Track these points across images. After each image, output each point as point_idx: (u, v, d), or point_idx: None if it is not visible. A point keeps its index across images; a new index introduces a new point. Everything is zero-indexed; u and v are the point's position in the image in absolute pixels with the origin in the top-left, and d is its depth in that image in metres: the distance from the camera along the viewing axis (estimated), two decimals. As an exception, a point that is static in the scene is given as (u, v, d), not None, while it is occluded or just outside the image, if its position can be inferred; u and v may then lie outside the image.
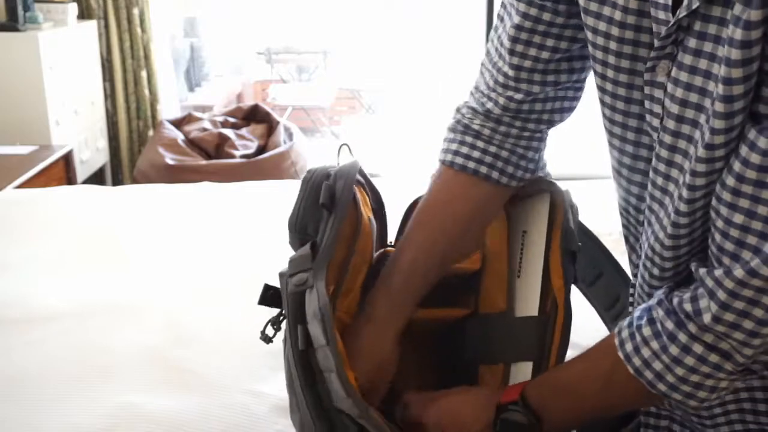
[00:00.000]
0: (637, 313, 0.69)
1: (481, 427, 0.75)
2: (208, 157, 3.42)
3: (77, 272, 1.57)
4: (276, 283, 0.86)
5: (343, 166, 0.88)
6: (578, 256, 0.89)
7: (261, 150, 3.51)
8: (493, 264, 0.94)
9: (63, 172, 3.04)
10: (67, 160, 3.07)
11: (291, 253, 0.86)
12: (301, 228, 0.86)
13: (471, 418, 0.77)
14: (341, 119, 5.98)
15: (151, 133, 3.81)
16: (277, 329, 0.86)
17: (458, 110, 0.94)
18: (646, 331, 0.66)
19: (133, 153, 3.87)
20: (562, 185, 0.92)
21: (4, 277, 1.54)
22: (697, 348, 0.63)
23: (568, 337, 0.85)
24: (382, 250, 0.94)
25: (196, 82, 5.16)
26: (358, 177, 0.91)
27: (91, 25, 3.59)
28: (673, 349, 0.64)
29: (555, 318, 0.85)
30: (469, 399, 0.79)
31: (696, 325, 0.63)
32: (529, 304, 0.88)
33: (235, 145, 3.44)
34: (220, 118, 3.75)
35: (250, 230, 1.81)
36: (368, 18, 5.95)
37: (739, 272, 0.59)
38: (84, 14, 3.62)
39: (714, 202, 0.62)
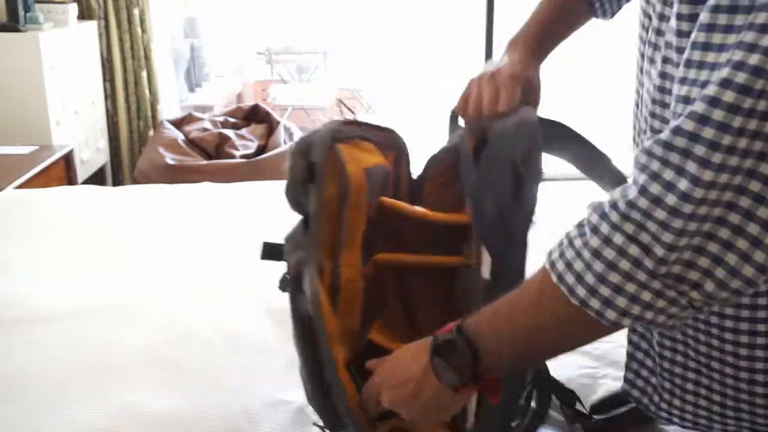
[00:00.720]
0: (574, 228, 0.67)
1: (421, 364, 0.74)
2: (208, 157, 3.42)
3: (77, 272, 1.57)
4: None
5: (318, 133, 0.93)
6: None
7: (261, 150, 3.51)
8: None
9: (63, 172, 3.04)
10: (67, 160, 3.07)
11: None
12: (295, 202, 0.93)
13: (410, 358, 0.76)
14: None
15: (151, 133, 3.80)
16: (284, 290, 0.96)
17: None
18: (573, 232, 0.64)
19: (133, 153, 3.87)
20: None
21: (4, 277, 1.54)
22: (618, 239, 0.60)
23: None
24: (377, 201, 0.94)
25: (197, 82, 5.16)
26: (354, 132, 0.97)
27: (92, 26, 3.59)
28: (594, 241, 0.61)
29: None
30: (410, 346, 0.78)
31: (618, 213, 0.60)
32: (485, 267, 0.85)
33: (235, 145, 3.44)
34: (221, 118, 3.75)
35: (250, 230, 1.81)
36: (368, 18, 5.95)
37: (665, 134, 0.59)
38: (84, 14, 3.62)
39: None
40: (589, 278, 0.61)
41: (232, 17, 5.71)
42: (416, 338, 0.83)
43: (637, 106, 0.86)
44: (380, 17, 5.96)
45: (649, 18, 0.78)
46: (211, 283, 1.52)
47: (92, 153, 3.56)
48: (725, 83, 0.56)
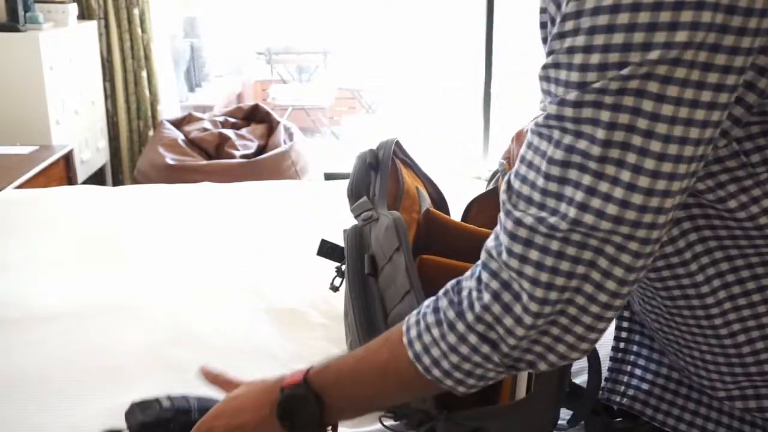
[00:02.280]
0: (426, 302, 0.71)
1: (265, 412, 0.75)
2: (208, 157, 3.42)
3: (77, 272, 1.57)
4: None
5: (384, 140, 1.04)
6: None
7: (261, 150, 3.51)
8: None
9: (63, 172, 3.04)
10: (67, 160, 3.07)
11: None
12: (357, 192, 0.99)
13: (253, 405, 0.77)
14: (341, 119, 5.99)
15: (151, 133, 3.81)
16: (343, 277, 1.01)
17: None
18: (430, 318, 0.69)
19: (133, 153, 3.87)
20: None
21: (4, 277, 1.54)
22: (472, 338, 0.66)
23: None
24: (426, 210, 1.00)
25: (197, 82, 5.17)
26: (406, 159, 1.06)
27: (92, 26, 3.59)
28: (451, 338, 0.67)
29: None
30: (252, 388, 0.80)
31: (473, 315, 0.65)
32: None
33: (235, 145, 3.44)
34: (221, 118, 3.74)
35: (250, 230, 1.81)
36: (368, 18, 5.95)
37: (504, 237, 0.64)
38: (84, 14, 3.62)
39: None
40: (445, 364, 0.68)
41: (232, 17, 5.71)
42: None
43: None
44: (380, 17, 5.97)
45: None
46: (211, 283, 1.52)
47: (92, 153, 3.56)
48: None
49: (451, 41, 5.56)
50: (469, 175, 3.23)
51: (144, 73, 3.76)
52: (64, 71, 3.24)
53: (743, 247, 0.71)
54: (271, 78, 5.88)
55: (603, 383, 0.95)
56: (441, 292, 0.70)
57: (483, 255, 0.67)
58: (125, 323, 1.34)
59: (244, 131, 3.63)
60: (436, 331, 0.68)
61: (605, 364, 0.94)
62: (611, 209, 0.59)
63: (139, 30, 3.70)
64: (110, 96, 3.78)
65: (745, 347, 0.75)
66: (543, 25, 0.65)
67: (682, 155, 0.58)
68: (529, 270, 0.62)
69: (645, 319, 0.86)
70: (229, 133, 3.53)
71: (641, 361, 0.92)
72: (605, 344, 1.20)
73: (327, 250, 1.06)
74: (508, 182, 0.65)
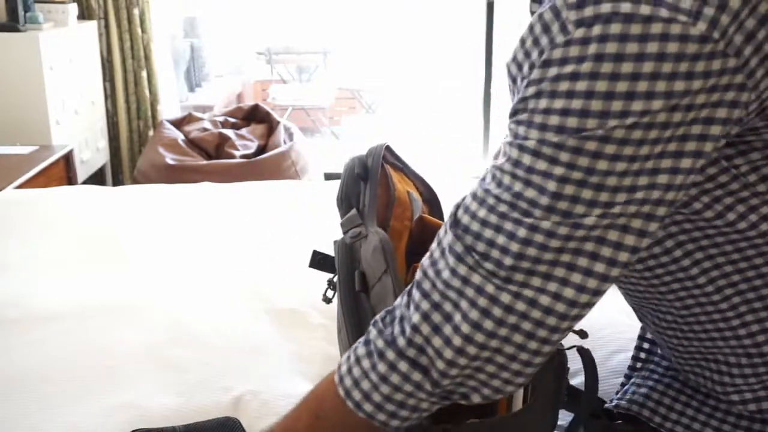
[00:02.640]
0: (363, 338, 0.71)
1: None
2: (208, 157, 3.42)
3: (77, 272, 1.57)
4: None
5: (373, 146, 1.00)
6: None
7: (261, 150, 3.51)
8: None
9: (63, 172, 3.04)
10: (67, 160, 3.07)
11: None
12: (346, 201, 0.97)
13: None
14: (341, 119, 5.99)
15: (151, 133, 3.81)
16: (334, 290, 0.99)
17: None
18: (361, 350, 0.69)
19: (133, 153, 3.87)
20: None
21: (4, 277, 1.54)
22: (402, 366, 0.65)
23: None
24: (419, 216, 0.98)
25: (197, 82, 5.17)
26: (397, 162, 1.04)
27: (92, 26, 3.59)
28: (381, 367, 0.66)
29: None
30: None
31: (404, 338, 0.65)
32: None
33: (235, 145, 3.44)
34: (221, 118, 3.75)
35: (250, 230, 1.81)
36: (368, 18, 5.96)
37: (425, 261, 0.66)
38: (84, 14, 3.62)
39: None
40: (376, 397, 0.67)
41: (232, 17, 5.71)
42: None
43: None
44: (380, 17, 5.97)
45: None
46: (211, 283, 1.52)
47: (92, 153, 3.56)
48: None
49: (451, 41, 5.57)
50: (469, 175, 3.23)
51: (144, 73, 3.76)
52: (64, 71, 3.24)
53: (750, 256, 0.71)
54: (271, 78, 5.88)
55: (619, 388, 0.95)
56: (371, 324, 0.70)
57: (418, 274, 0.67)
58: (125, 323, 1.34)
59: (244, 131, 3.63)
60: (366, 363, 0.68)
61: (601, 367, 0.94)
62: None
63: (139, 30, 3.70)
64: (110, 96, 3.78)
65: (765, 346, 0.76)
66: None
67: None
68: (469, 291, 0.62)
69: (661, 339, 0.86)
70: (229, 133, 3.53)
71: (660, 370, 0.93)
72: (597, 347, 1.20)
73: (319, 261, 1.04)
74: (456, 210, 0.66)
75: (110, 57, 3.72)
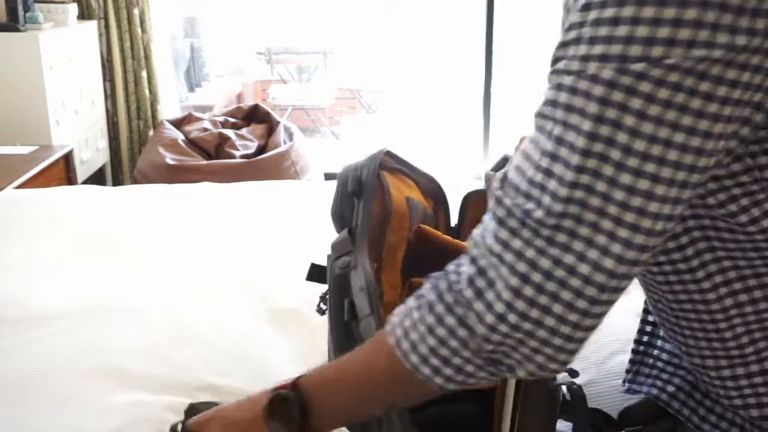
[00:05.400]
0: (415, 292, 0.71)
1: (256, 411, 0.76)
2: (208, 157, 3.42)
3: (77, 272, 1.57)
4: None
5: (368, 157, 0.98)
6: None
7: (261, 150, 3.51)
8: None
9: (63, 172, 3.04)
10: (67, 160, 3.07)
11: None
12: (340, 216, 0.96)
13: (249, 404, 0.78)
14: (341, 119, 5.99)
15: (151, 133, 3.81)
16: (327, 304, 0.97)
17: None
18: (412, 303, 0.69)
19: (133, 153, 3.87)
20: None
21: (3, 276, 1.54)
22: (449, 320, 0.65)
23: None
24: (416, 227, 0.97)
25: (197, 82, 5.17)
26: (397, 165, 1.02)
27: (92, 25, 3.59)
28: (430, 319, 0.66)
29: None
30: (243, 401, 0.81)
31: (452, 296, 0.65)
32: None
33: (235, 145, 3.44)
34: (221, 118, 3.75)
35: (250, 230, 1.81)
36: (368, 18, 5.96)
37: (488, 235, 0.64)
38: (84, 14, 3.62)
39: None
40: (423, 348, 0.66)
41: (232, 17, 5.71)
42: None
43: None
44: (380, 17, 5.97)
45: None
46: (211, 282, 1.52)
47: (92, 153, 3.56)
48: None
49: (451, 41, 5.57)
50: (469, 175, 3.23)
51: (144, 73, 3.76)
52: (64, 71, 3.24)
53: (752, 258, 0.71)
54: (271, 78, 5.88)
55: (625, 374, 0.95)
56: (425, 279, 0.70)
57: (468, 242, 0.66)
58: (125, 323, 1.34)
59: (244, 131, 3.63)
60: (416, 314, 0.67)
61: (600, 369, 0.94)
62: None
63: (139, 30, 3.70)
64: (110, 96, 3.79)
65: (748, 348, 0.75)
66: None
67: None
68: (508, 257, 0.61)
69: (659, 322, 0.86)
70: (229, 133, 3.53)
71: (664, 356, 0.93)
72: (596, 349, 1.20)
73: (316, 274, 1.03)
74: (505, 173, 0.65)
75: (110, 57, 3.72)
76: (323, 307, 1.03)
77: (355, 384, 0.73)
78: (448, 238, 0.97)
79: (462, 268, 0.66)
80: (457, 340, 0.65)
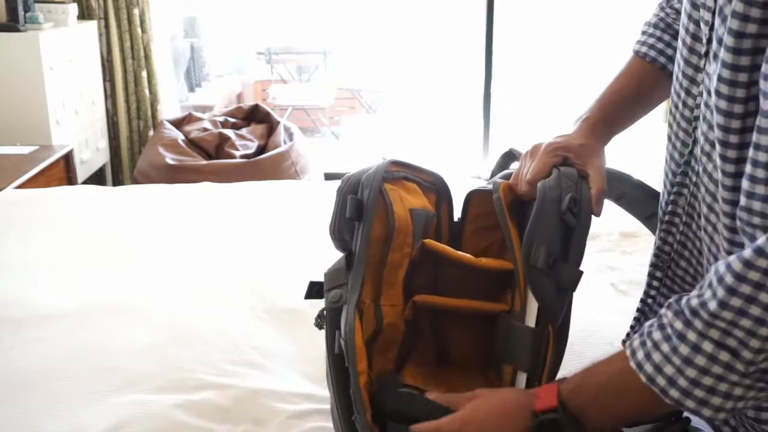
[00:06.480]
0: (647, 323, 0.69)
1: (518, 430, 0.74)
2: (208, 157, 3.42)
3: (77, 272, 1.57)
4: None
5: (370, 173, 0.95)
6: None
7: (261, 150, 3.51)
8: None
9: (63, 172, 3.04)
10: (67, 160, 3.06)
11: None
12: (339, 236, 0.94)
13: (506, 421, 0.76)
14: (341, 119, 5.99)
15: (151, 133, 3.81)
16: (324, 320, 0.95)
17: (662, 8, 1.01)
18: (656, 335, 0.66)
19: (133, 153, 3.87)
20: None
21: (3, 276, 1.54)
22: (707, 346, 0.62)
23: (561, 353, 0.84)
24: (420, 243, 0.96)
25: (197, 82, 5.16)
26: (401, 171, 0.99)
27: (92, 25, 3.59)
28: (683, 349, 0.63)
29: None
30: (499, 401, 0.78)
31: (702, 321, 0.62)
32: (530, 315, 0.87)
33: (235, 145, 3.44)
34: (221, 118, 3.74)
35: (250, 230, 1.81)
36: (368, 18, 5.96)
37: (747, 252, 0.60)
38: (84, 14, 3.62)
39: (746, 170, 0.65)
40: (682, 382, 0.64)
41: (232, 17, 5.71)
42: (444, 374, 0.90)
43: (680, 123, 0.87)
44: (380, 17, 5.97)
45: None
46: (211, 282, 1.52)
47: (92, 153, 3.56)
48: None
49: (451, 41, 5.56)
50: (469, 174, 3.23)
51: (144, 73, 3.76)
52: (64, 71, 3.24)
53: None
54: (271, 78, 5.87)
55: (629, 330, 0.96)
56: (665, 307, 0.68)
57: (721, 267, 0.63)
58: (125, 323, 1.34)
59: (244, 131, 3.63)
60: (665, 347, 0.65)
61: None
62: None
63: (139, 30, 3.70)
64: (110, 96, 3.78)
65: None
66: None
67: None
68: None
69: None
70: (229, 133, 3.52)
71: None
72: (596, 348, 1.20)
73: (315, 293, 1.01)
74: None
75: (110, 57, 3.72)
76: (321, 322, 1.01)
77: (628, 401, 0.71)
78: (454, 252, 0.96)
79: (704, 294, 0.63)
80: (721, 366, 0.62)
